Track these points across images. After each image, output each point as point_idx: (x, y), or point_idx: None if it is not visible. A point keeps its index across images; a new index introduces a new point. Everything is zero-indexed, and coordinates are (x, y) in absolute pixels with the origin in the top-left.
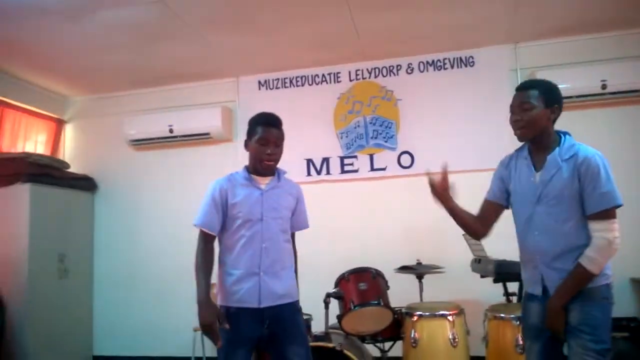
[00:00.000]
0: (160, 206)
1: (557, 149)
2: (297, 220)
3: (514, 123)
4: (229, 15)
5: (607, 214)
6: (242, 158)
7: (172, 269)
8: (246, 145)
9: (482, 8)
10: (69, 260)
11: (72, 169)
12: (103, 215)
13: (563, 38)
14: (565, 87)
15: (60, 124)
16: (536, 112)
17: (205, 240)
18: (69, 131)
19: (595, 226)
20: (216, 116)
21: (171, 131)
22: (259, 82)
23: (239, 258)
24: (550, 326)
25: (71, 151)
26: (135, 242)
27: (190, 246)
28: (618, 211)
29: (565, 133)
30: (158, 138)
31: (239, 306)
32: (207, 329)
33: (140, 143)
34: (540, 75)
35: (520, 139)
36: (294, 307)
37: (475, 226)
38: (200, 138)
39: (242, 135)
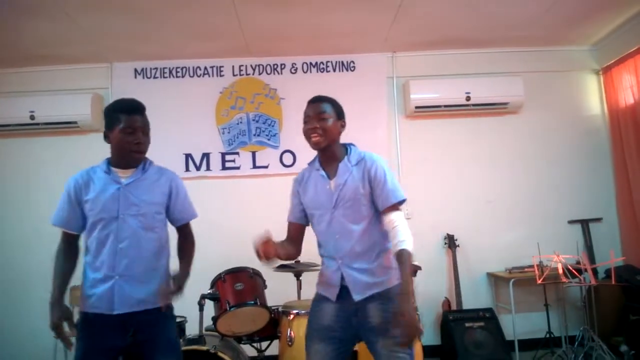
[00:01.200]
0: (20, 200)
1: (346, 157)
2: (178, 212)
3: (311, 130)
4: None
5: (398, 206)
6: None
7: (33, 269)
8: (106, 137)
9: (364, 16)
10: None
11: None
12: None
13: (435, 51)
14: (435, 96)
15: None
16: (332, 122)
17: (63, 239)
18: None
19: (392, 217)
20: (85, 104)
21: (32, 118)
22: (135, 70)
23: (95, 260)
24: (411, 332)
25: None
26: None
27: (50, 244)
28: (486, 208)
29: (350, 144)
30: (17, 125)
31: (95, 312)
32: (54, 332)
33: None
34: (413, 83)
35: (314, 147)
36: (162, 313)
37: (291, 253)
38: (67, 127)
39: None
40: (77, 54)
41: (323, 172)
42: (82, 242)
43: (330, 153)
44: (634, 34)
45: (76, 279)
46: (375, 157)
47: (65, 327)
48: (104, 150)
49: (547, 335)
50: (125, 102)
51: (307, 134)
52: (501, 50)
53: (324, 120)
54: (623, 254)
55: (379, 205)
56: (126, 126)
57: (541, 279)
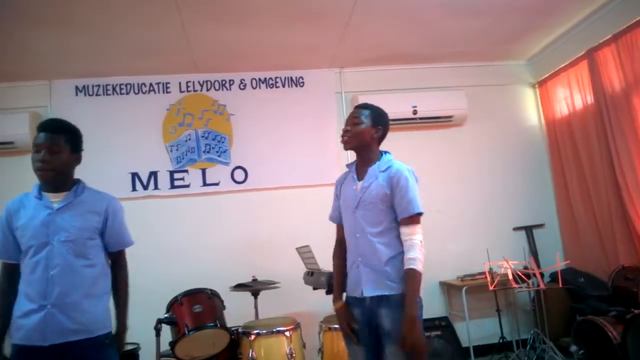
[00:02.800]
0: None
1: (378, 162)
2: (112, 238)
3: (343, 132)
4: (44, 11)
5: (415, 219)
6: None
7: None
8: None
9: (312, 34)
10: None
11: None
12: None
13: (382, 67)
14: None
15: None
16: (362, 128)
17: (3, 271)
18: None
19: (404, 230)
20: (23, 122)
21: None
22: (77, 87)
23: (27, 288)
24: (412, 340)
25: None
26: None
27: None
28: (435, 218)
29: (386, 152)
30: None
31: (25, 344)
32: None
33: None
34: (362, 98)
35: (344, 147)
36: (100, 343)
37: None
38: (4, 147)
39: None
40: (15, 71)
41: (355, 174)
42: None
43: (362, 156)
44: (566, 49)
45: None
46: (403, 167)
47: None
48: None
49: (500, 340)
50: (44, 121)
51: (342, 135)
52: (445, 66)
53: (355, 125)
54: (565, 258)
55: (397, 214)
56: (34, 144)
57: (493, 285)
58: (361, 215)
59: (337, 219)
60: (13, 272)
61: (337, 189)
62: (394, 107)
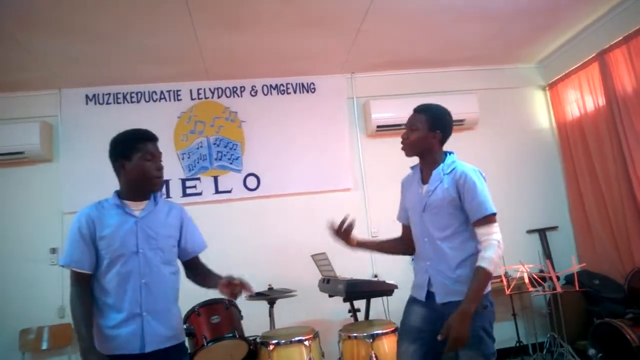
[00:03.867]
0: None
1: (441, 165)
2: (190, 243)
3: (401, 140)
4: (53, 19)
5: (487, 219)
6: (66, 180)
7: None
8: (122, 167)
9: (322, 39)
10: None
11: None
12: None
13: (394, 71)
14: (394, 115)
15: None
16: (418, 134)
17: (79, 281)
18: None
19: (480, 231)
20: (33, 132)
21: None
22: (87, 96)
23: (117, 299)
24: (456, 332)
25: None
26: None
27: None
28: None
29: (449, 152)
30: None
31: (119, 353)
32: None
33: None
34: (373, 103)
35: (405, 154)
36: (182, 348)
37: (401, 248)
38: (12, 158)
39: (65, 155)
40: (24, 80)
41: (419, 177)
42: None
43: (425, 160)
44: (577, 52)
45: (29, 322)
46: (467, 168)
47: None
48: (53, 182)
49: (517, 344)
50: (140, 131)
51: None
52: (456, 70)
53: (412, 132)
54: (579, 260)
55: (470, 217)
56: (148, 152)
57: (510, 290)
58: (428, 219)
59: (403, 218)
60: (87, 284)
61: (403, 189)
62: (406, 111)
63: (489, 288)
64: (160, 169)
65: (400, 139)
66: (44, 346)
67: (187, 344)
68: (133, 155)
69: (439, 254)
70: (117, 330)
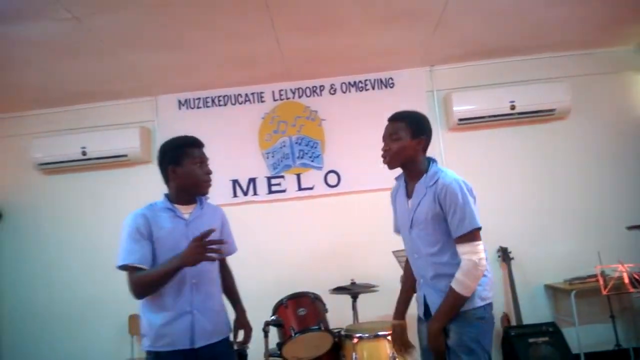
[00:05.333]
0: (74, 233)
1: (424, 176)
2: (227, 246)
3: (383, 152)
4: (149, 33)
5: (470, 236)
6: (162, 180)
7: (89, 299)
8: (172, 172)
9: (401, 33)
10: None
11: None
12: (9, 246)
13: (474, 62)
14: (477, 107)
15: None
16: (402, 143)
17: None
18: None
19: (460, 249)
20: (134, 137)
21: (84, 153)
22: (179, 101)
23: (169, 298)
24: (431, 349)
25: None
26: (46, 272)
27: (109, 273)
28: (539, 219)
29: (431, 160)
30: (70, 161)
31: (170, 349)
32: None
33: (50, 166)
34: (455, 96)
35: (388, 167)
36: (226, 343)
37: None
38: (117, 160)
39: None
40: (123, 89)
41: (404, 190)
42: None
43: (409, 171)
44: None
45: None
46: (448, 179)
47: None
48: (152, 181)
49: (616, 347)
50: (189, 137)
51: (382, 155)
52: (544, 56)
53: (394, 142)
54: None
55: (452, 232)
56: (197, 157)
57: (607, 290)
58: (416, 235)
59: (399, 230)
60: None
61: (392, 201)
62: (490, 103)
63: (490, 299)
64: (208, 173)
65: (483, 132)
66: None
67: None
68: (183, 160)
69: (430, 270)
70: (169, 327)
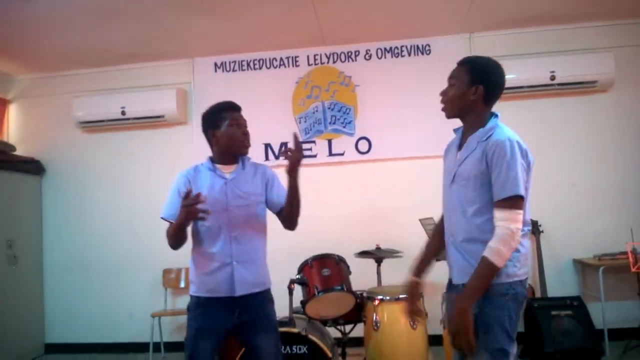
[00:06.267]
0: (113, 190)
1: (481, 129)
2: (275, 196)
3: (440, 96)
4: None
5: (511, 203)
6: (198, 142)
7: (126, 253)
8: (213, 136)
9: None
10: (18, 246)
11: (17, 152)
12: (52, 199)
13: (515, 30)
14: (515, 77)
15: (3, 103)
16: (456, 90)
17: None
18: (13, 112)
19: (498, 214)
20: (171, 98)
21: (123, 113)
22: (215, 64)
23: (210, 249)
24: (455, 331)
25: (16, 133)
26: (86, 227)
27: (145, 230)
28: (572, 193)
29: (493, 115)
30: (109, 120)
31: (211, 296)
32: (186, 208)
33: (91, 125)
34: None
35: (445, 116)
36: (266, 296)
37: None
38: (154, 121)
39: (197, 118)
40: (162, 51)
41: (458, 141)
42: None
43: (465, 122)
44: None
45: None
46: (505, 137)
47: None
48: (188, 142)
49: None
50: (227, 102)
51: None
52: (589, 25)
53: (451, 87)
54: None
55: (493, 194)
56: (234, 120)
57: (636, 267)
58: (455, 191)
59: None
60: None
61: (444, 156)
62: (529, 72)
63: (521, 276)
64: (246, 134)
65: (521, 103)
66: (182, 285)
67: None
68: (221, 123)
69: (462, 232)
70: (211, 276)
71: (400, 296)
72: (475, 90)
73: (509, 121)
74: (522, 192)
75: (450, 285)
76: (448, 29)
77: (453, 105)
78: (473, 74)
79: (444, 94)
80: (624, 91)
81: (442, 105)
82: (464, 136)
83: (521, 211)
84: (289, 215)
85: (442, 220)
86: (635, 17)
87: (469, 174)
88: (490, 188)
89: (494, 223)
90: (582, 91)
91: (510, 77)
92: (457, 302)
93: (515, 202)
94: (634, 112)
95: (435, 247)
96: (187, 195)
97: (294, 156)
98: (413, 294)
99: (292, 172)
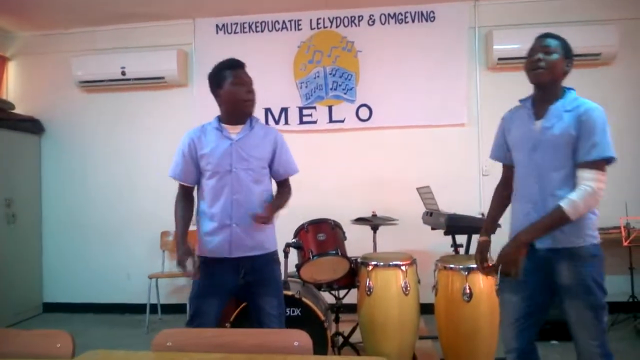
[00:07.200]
0: (112, 151)
1: (561, 100)
2: (282, 167)
3: (534, 62)
4: None
5: (597, 164)
6: (199, 103)
7: (125, 214)
8: (217, 96)
9: None
10: (16, 205)
11: (16, 110)
12: (50, 159)
13: None
14: (520, 47)
15: (2, 61)
16: (557, 58)
17: (181, 190)
18: (12, 69)
19: (583, 174)
20: (171, 59)
21: (123, 73)
22: (217, 26)
23: (211, 209)
24: (504, 259)
25: (15, 91)
26: (85, 187)
27: (143, 191)
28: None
29: (569, 88)
30: (109, 80)
31: (213, 256)
32: (179, 265)
33: (90, 85)
34: (497, 34)
35: (534, 80)
36: (269, 258)
37: (507, 199)
38: (155, 82)
39: (198, 81)
40: (163, 11)
41: (531, 111)
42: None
43: (546, 92)
44: None
45: (169, 225)
46: (594, 106)
47: (189, 263)
48: (188, 104)
49: (630, 299)
50: (229, 60)
51: (529, 67)
52: None
53: (549, 54)
54: None
55: (578, 156)
56: (235, 78)
57: (628, 241)
58: (540, 158)
59: (502, 157)
60: (189, 194)
61: (506, 124)
62: (531, 43)
63: (597, 239)
64: (250, 92)
65: (523, 73)
66: None
67: (296, 255)
68: (224, 82)
69: (548, 197)
70: (211, 236)
71: (393, 262)
72: (568, 63)
73: (510, 91)
74: (611, 153)
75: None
76: None
77: (553, 71)
78: (566, 49)
79: (544, 59)
80: (626, 64)
81: (539, 70)
82: (539, 106)
83: (604, 174)
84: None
85: (503, 183)
86: None
87: (559, 141)
88: (576, 155)
89: (577, 182)
90: (585, 63)
91: (513, 47)
92: (518, 234)
93: (602, 164)
94: (635, 85)
95: (501, 206)
96: (192, 259)
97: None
98: (483, 253)
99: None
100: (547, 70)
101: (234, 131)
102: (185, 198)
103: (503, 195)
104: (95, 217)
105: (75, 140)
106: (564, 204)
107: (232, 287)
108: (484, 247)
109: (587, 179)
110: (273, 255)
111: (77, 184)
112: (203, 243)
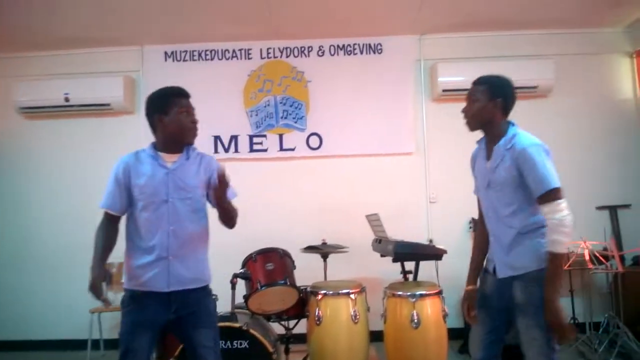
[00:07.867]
0: (54, 180)
1: (503, 139)
2: None
3: (462, 112)
4: None
5: (550, 196)
6: (145, 132)
7: (65, 246)
8: (159, 121)
9: None
10: None
11: None
12: None
13: (464, 33)
14: (463, 79)
15: None
16: (479, 105)
17: (109, 219)
18: None
19: (544, 209)
20: (118, 86)
21: (67, 100)
22: (166, 53)
23: (146, 241)
24: (551, 321)
25: None
26: (23, 219)
27: (84, 223)
28: None
29: (511, 123)
30: (52, 107)
31: (145, 290)
32: (92, 291)
33: (32, 111)
34: (441, 66)
35: (468, 128)
36: (203, 291)
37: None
38: (100, 109)
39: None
40: (110, 37)
41: (484, 151)
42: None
43: (488, 134)
44: None
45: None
46: (527, 143)
47: (103, 287)
48: (135, 133)
49: (572, 321)
50: (177, 87)
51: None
52: (532, 33)
53: (473, 103)
54: None
55: (532, 194)
56: (184, 107)
57: (567, 265)
58: (493, 195)
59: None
60: (116, 222)
61: (472, 162)
62: (474, 75)
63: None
64: (194, 122)
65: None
66: (123, 279)
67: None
68: (170, 109)
69: (503, 230)
70: (145, 270)
71: (343, 291)
72: (495, 103)
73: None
74: (556, 184)
75: (486, 272)
76: (400, 29)
77: (479, 118)
78: (492, 89)
79: (467, 110)
80: (562, 97)
81: (465, 119)
82: (488, 146)
83: (562, 200)
84: (224, 220)
85: (481, 223)
86: (575, 27)
87: (503, 181)
88: (525, 189)
89: (531, 216)
90: (524, 95)
91: (456, 80)
92: (546, 301)
93: (553, 194)
94: (570, 117)
95: (482, 252)
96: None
97: (217, 192)
98: (470, 301)
99: (221, 203)
100: (471, 119)
101: (170, 160)
102: (112, 227)
103: (484, 239)
104: (33, 249)
105: (15, 169)
106: (550, 248)
107: (163, 322)
108: (471, 296)
109: (548, 212)
110: (207, 288)
111: (15, 215)
112: (134, 276)
